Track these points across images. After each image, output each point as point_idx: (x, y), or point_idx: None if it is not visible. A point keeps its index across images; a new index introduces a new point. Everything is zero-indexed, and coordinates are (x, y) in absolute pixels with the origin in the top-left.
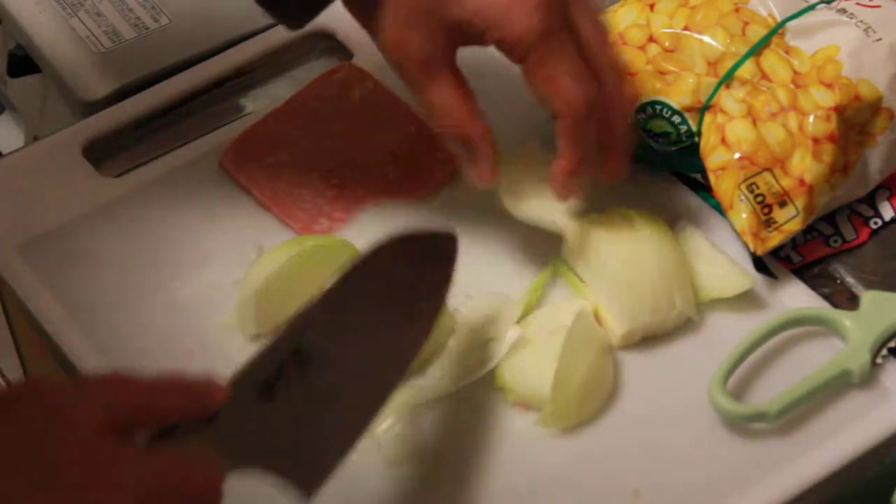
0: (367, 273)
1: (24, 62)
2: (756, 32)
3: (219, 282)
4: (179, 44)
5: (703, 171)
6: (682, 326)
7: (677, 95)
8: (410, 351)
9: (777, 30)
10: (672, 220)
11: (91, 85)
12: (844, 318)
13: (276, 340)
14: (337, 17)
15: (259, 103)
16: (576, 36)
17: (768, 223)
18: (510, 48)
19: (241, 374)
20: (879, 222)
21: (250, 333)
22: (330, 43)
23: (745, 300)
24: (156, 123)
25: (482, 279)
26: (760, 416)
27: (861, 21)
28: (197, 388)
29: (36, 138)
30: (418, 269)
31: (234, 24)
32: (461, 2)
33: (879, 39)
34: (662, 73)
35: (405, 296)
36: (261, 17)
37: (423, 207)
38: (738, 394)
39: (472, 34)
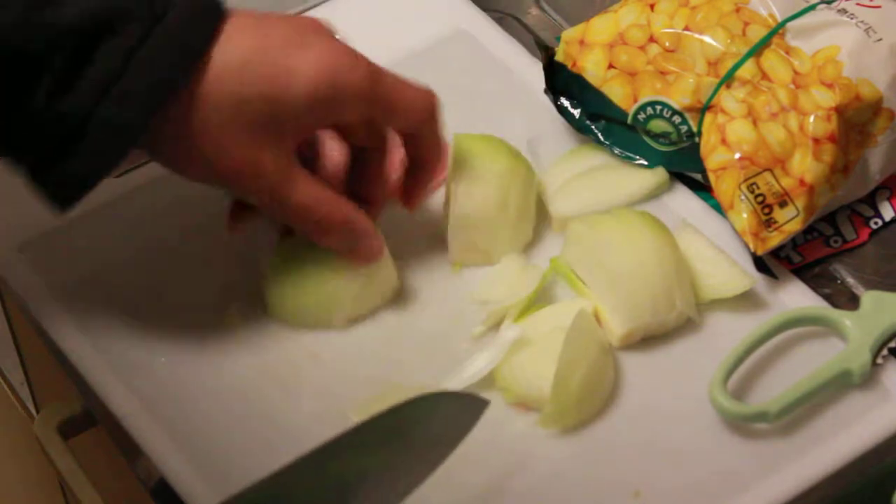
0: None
1: None
2: (756, 32)
3: (219, 282)
4: None
5: (703, 171)
6: (683, 326)
7: (678, 95)
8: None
9: (777, 30)
10: (672, 220)
11: None
12: (845, 318)
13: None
14: (336, 17)
15: None
16: None
17: (768, 223)
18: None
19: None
20: (880, 222)
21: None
22: None
23: (746, 300)
24: None
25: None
26: (761, 416)
27: (861, 21)
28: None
29: None
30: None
31: None
32: (295, 93)
33: (880, 40)
34: (663, 73)
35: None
36: None
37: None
38: (739, 394)
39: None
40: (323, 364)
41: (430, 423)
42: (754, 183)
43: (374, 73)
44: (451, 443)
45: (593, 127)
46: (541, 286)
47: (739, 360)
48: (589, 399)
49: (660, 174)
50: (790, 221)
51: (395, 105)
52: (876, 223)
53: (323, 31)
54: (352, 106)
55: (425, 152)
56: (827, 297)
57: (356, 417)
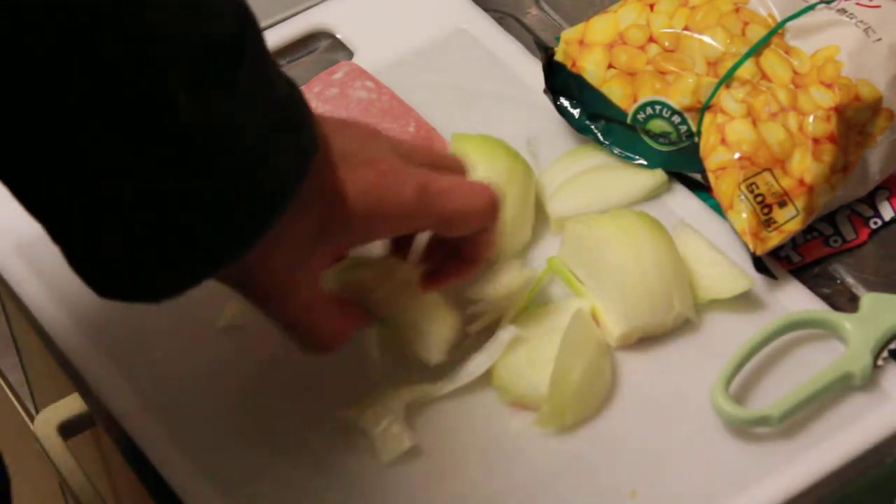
0: None
1: None
2: (756, 32)
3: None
4: None
5: (702, 171)
6: (681, 327)
7: (677, 95)
8: None
9: (777, 30)
10: (671, 220)
11: None
12: (844, 321)
13: None
14: (337, 17)
15: None
16: None
17: (768, 223)
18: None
19: None
20: (879, 222)
21: None
22: (330, 42)
23: (744, 301)
24: None
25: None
26: (764, 421)
27: (861, 21)
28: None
29: None
30: None
31: None
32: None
33: (879, 39)
34: (662, 73)
35: None
36: (261, 16)
37: None
38: (739, 398)
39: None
40: (320, 363)
41: None
42: (754, 183)
43: (422, 188)
44: None
45: (593, 127)
46: (538, 286)
47: (740, 366)
48: (586, 399)
49: (658, 175)
50: (790, 221)
51: (447, 218)
52: (875, 223)
53: (378, 144)
54: (398, 223)
55: (474, 251)
56: (826, 298)
57: (353, 417)
